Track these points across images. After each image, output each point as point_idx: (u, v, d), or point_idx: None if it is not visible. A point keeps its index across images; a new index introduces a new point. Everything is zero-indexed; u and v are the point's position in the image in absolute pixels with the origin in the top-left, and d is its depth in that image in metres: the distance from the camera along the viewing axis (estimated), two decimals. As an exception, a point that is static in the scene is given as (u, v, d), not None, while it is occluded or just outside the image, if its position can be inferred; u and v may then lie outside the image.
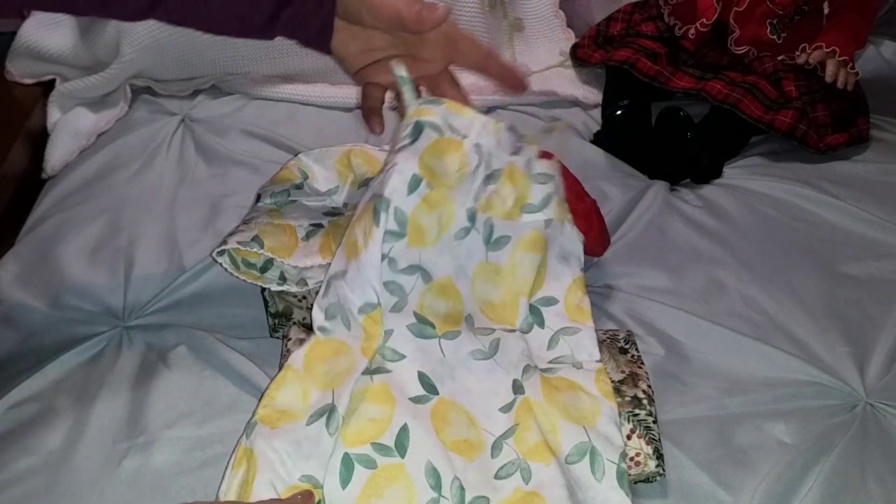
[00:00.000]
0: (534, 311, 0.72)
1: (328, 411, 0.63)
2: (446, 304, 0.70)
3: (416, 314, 0.69)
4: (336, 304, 0.68)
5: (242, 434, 0.63)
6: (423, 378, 0.67)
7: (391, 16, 0.62)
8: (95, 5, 0.62)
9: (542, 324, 0.72)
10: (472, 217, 0.70)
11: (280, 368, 0.67)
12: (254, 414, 0.63)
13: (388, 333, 0.68)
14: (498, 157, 0.71)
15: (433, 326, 0.69)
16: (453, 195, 0.69)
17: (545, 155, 0.74)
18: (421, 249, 0.69)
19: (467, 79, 1.16)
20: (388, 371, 0.67)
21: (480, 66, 0.69)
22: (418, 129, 0.68)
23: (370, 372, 0.66)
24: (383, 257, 0.67)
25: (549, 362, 0.70)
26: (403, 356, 0.68)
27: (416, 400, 0.65)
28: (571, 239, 0.74)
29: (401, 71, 0.67)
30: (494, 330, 0.71)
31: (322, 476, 0.60)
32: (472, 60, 0.68)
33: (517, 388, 0.67)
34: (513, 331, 0.71)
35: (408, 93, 0.68)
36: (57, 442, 0.67)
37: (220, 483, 0.61)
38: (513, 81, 0.70)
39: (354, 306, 0.67)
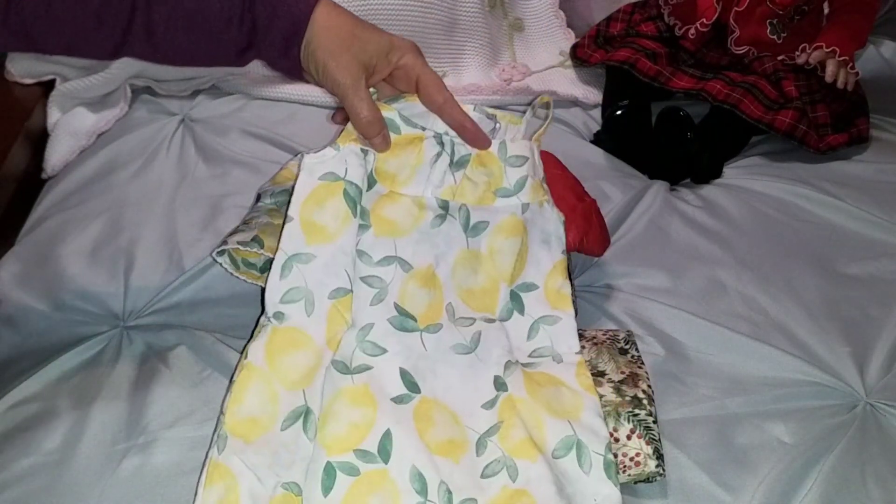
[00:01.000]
0: (514, 297, 0.71)
1: (303, 413, 0.62)
2: (427, 293, 0.68)
3: (396, 306, 0.67)
4: (299, 289, 0.65)
5: (212, 446, 0.61)
6: (404, 375, 0.65)
7: (332, 90, 0.65)
8: (62, 48, 0.64)
9: (521, 310, 0.71)
10: (443, 205, 0.69)
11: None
12: (220, 423, 0.61)
13: (369, 327, 0.66)
14: (463, 144, 0.70)
15: (415, 320, 0.68)
16: (407, 191, 0.68)
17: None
18: (395, 239, 0.68)
19: (465, 79, 1.16)
20: (368, 368, 0.65)
21: (437, 109, 0.68)
22: None
23: (350, 371, 0.64)
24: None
25: (530, 355, 0.70)
26: (385, 350, 0.66)
27: (398, 400, 0.64)
28: (551, 220, 0.72)
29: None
30: (475, 320, 0.70)
31: (303, 482, 0.59)
32: (430, 101, 0.68)
33: (499, 385, 0.66)
34: (493, 321, 0.70)
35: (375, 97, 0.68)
36: (57, 442, 0.67)
37: (194, 500, 0.59)
38: (468, 135, 0.69)
39: (326, 290, 0.65)
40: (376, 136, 0.67)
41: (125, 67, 1.05)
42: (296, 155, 0.85)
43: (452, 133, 0.70)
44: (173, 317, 0.79)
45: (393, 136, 0.68)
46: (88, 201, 0.93)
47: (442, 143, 0.69)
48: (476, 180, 0.71)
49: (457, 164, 0.70)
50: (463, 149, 0.70)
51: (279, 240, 0.66)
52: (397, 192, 0.69)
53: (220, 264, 0.77)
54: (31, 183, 1.00)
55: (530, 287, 0.72)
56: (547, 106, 0.74)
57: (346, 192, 0.66)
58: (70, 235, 0.87)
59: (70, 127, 1.03)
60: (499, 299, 0.71)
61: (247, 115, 1.07)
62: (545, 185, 0.73)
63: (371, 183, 0.68)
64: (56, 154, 1.00)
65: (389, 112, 0.68)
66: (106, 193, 0.94)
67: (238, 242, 0.72)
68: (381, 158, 0.68)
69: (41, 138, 1.03)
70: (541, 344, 0.70)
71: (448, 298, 0.70)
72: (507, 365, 0.67)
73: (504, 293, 0.71)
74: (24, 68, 1.09)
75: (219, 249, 0.75)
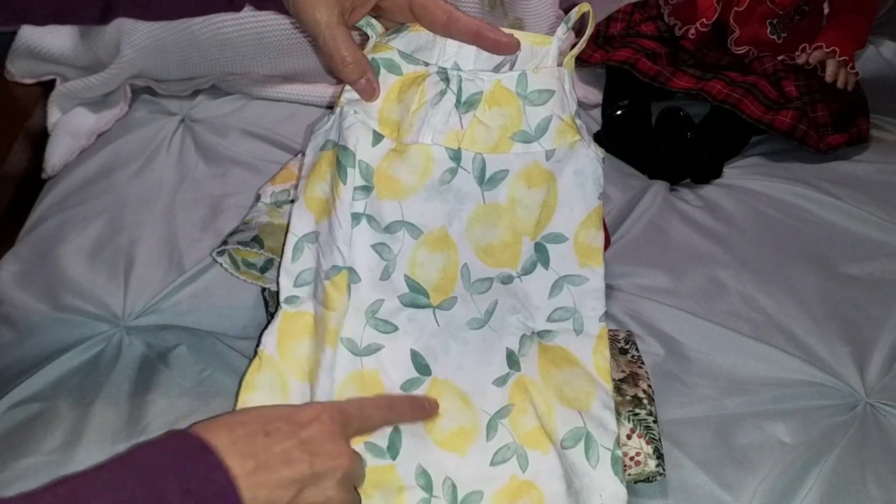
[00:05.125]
0: (539, 248, 0.64)
1: None
2: (440, 257, 0.63)
3: (407, 278, 0.63)
4: (310, 270, 0.63)
5: None
6: (415, 357, 0.63)
7: (308, 30, 0.60)
8: (48, 16, 0.61)
9: (546, 263, 0.64)
10: (455, 156, 0.62)
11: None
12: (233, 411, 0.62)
13: (379, 303, 0.63)
14: (475, 78, 0.62)
15: (426, 295, 0.64)
16: (409, 139, 0.62)
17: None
18: (400, 201, 0.62)
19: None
20: (379, 349, 0.62)
21: (443, 28, 0.61)
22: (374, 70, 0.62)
23: (360, 353, 0.62)
24: (360, 216, 0.62)
25: (549, 318, 0.65)
26: (396, 328, 0.63)
27: (408, 385, 0.62)
28: (587, 160, 0.63)
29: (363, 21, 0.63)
30: (492, 282, 0.64)
31: None
32: (433, 22, 0.61)
33: (512, 362, 0.64)
34: (512, 278, 0.65)
35: (371, 32, 0.63)
36: (57, 442, 0.67)
37: None
38: (489, 43, 0.61)
39: (322, 270, 0.63)
40: (359, 79, 0.60)
41: (125, 67, 1.05)
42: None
43: (463, 68, 0.62)
44: (173, 317, 0.79)
45: (394, 77, 0.62)
46: (88, 201, 0.93)
47: (447, 79, 0.62)
48: (489, 123, 0.62)
49: (465, 105, 0.61)
50: (472, 86, 0.61)
51: (288, 222, 0.64)
52: (402, 143, 0.62)
53: (220, 264, 0.77)
54: (31, 183, 1.00)
55: (558, 238, 0.64)
56: (584, 18, 0.63)
57: (337, 159, 0.62)
58: (70, 235, 0.88)
59: (70, 127, 1.03)
60: (521, 252, 0.64)
61: (247, 115, 1.07)
62: (578, 121, 0.63)
63: (378, 139, 0.62)
64: (56, 154, 1.00)
65: (387, 52, 0.62)
66: (106, 193, 0.94)
67: (238, 242, 0.73)
68: (386, 107, 0.62)
69: (41, 138, 1.03)
70: (563, 304, 0.65)
71: (463, 259, 0.64)
72: (523, 340, 0.64)
73: (528, 246, 0.64)
74: (24, 68, 1.09)
75: (219, 249, 0.75)
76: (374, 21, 0.64)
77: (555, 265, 0.65)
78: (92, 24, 0.63)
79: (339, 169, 0.62)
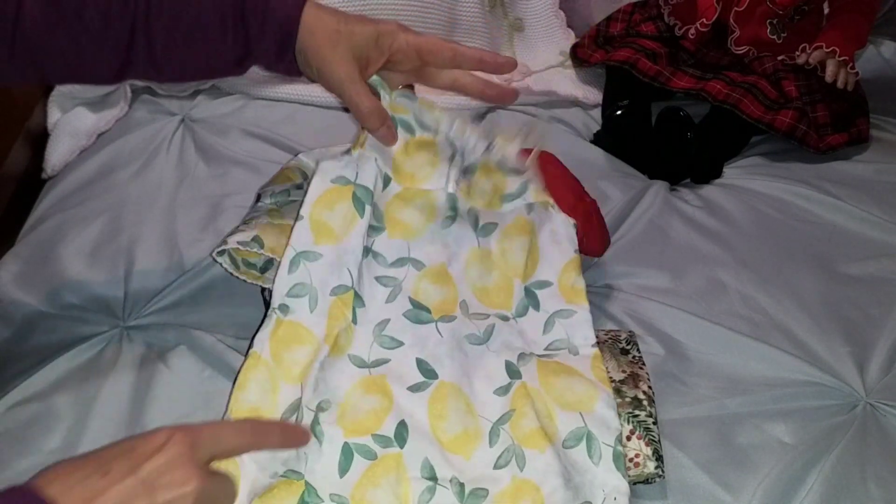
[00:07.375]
0: (528, 293, 0.72)
1: (298, 407, 0.63)
2: (441, 289, 0.70)
3: (411, 299, 0.69)
4: (305, 285, 0.67)
5: None
6: (421, 364, 0.67)
7: (331, 89, 0.66)
8: (68, 75, 0.65)
9: (537, 306, 0.72)
10: (453, 206, 0.71)
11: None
12: (227, 408, 0.63)
13: (385, 322, 0.68)
14: (471, 153, 0.71)
15: (429, 311, 0.69)
16: (428, 186, 0.70)
17: (525, 153, 0.73)
18: (409, 241, 0.70)
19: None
20: (386, 361, 0.67)
21: (452, 60, 0.67)
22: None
23: (367, 365, 0.66)
24: (367, 251, 0.68)
25: (546, 348, 0.70)
26: (401, 343, 0.68)
27: (415, 388, 0.65)
28: (560, 223, 0.74)
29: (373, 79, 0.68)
30: (489, 315, 0.71)
31: (301, 467, 0.60)
32: (442, 59, 0.67)
33: (512, 372, 0.67)
34: (507, 319, 0.71)
35: (384, 93, 0.68)
36: (57, 442, 0.67)
37: None
38: (490, 64, 0.67)
39: (328, 287, 0.67)
40: (380, 127, 0.67)
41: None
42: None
43: (464, 144, 0.70)
44: (173, 317, 0.79)
45: (409, 136, 0.69)
46: (88, 201, 0.93)
47: (453, 146, 0.70)
48: (484, 188, 0.72)
49: (464, 173, 0.71)
50: (471, 156, 0.71)
51: (289, 236, 0.68)
52: (412, 188, 0.70)
53: (220, 264, 0.77)
54: (31, 183, 1.00)
55: (544, 284, 0.73)
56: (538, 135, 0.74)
57: (354, 195, 0.68)
58: (70, 235, 0.88)
59: (70, 127, 1.03)
60: (514, 296, 0.72)
61: (247, 115, 1.07)
62: (547, 192, 0.75)
63: (386, 182, 0.70)
64: (56, 154, 1.00)
65: (405, 114, 0.69)
66: (106, 193, 0.94)
67: (238, 242, 0.72)
68: (399, 159, 0.70)
69: (41, 138, 1.03)
70: (557, 337, 0.71)
71: (462, 295, 0.71)
72: (521, 356, 0.68)
73: (518, 289, 0.72)
74: (24, 68, 1.09)
75: (219, 249, 0.75)
76: (383, 82, 0.69)
77: (545, 305, 0.72)
78: (108, 82, 0.68)
79: (357, 203, 0.68)
